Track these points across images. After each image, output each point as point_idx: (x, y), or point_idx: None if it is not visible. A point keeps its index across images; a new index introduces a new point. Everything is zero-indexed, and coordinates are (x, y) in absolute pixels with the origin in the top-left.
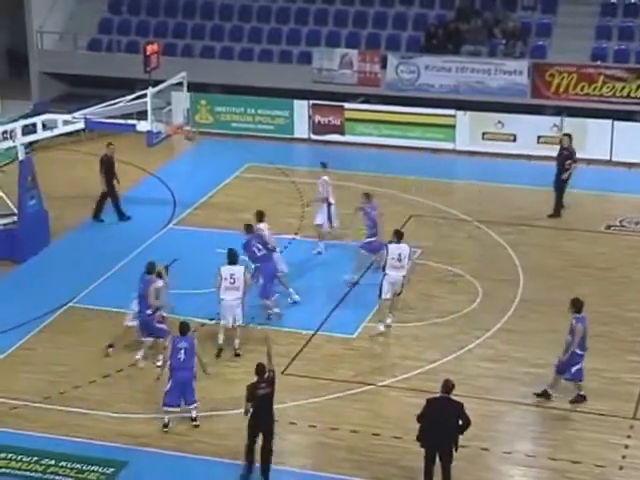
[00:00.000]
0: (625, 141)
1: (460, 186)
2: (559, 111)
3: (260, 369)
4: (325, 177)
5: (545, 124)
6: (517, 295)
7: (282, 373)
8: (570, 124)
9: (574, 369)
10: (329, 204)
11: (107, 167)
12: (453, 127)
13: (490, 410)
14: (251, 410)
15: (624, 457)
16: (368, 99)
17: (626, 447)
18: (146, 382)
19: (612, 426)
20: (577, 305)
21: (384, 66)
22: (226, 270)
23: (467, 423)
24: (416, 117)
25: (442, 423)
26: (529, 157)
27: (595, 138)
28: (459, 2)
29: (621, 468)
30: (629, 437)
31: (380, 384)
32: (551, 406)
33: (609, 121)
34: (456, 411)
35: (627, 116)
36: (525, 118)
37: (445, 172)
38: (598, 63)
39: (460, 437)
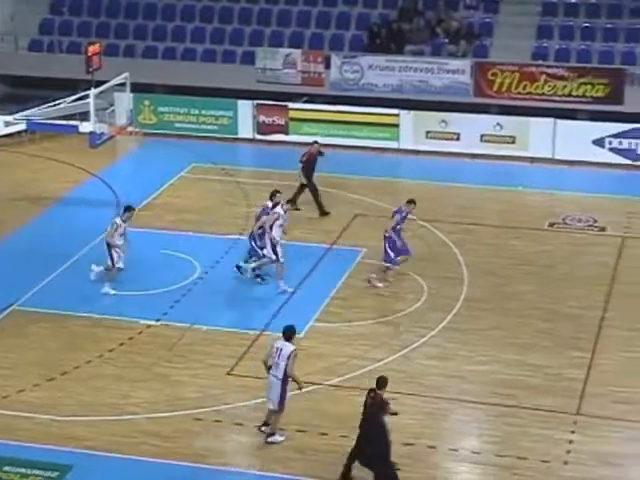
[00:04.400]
0: (567, 139)
1: (405, 185)
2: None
3: (378, 380)
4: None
5: (488, 123)
6: (462, 293)
7: (228, 374)
8: (513, 123)
9: None
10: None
11: None
12: (397, 126)
13: (436, 408)
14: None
15: (569, 452)
16: (312, 99)
17: (570, 442)
18: (91, 384)
19: (556, 422)
20: None
21: (328, 66)
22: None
23: None
24: (360, 116)
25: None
26: (473, 155)
27: (538, 137)
28: (402, 2)
29: (566, 463)
30: (573, 432)
31: (327, 383)
32: (496, 403)
33: (551, 119)
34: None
35: (569, 114)
36: (468, 117)
37: (390, 171)
38: (540, 62)
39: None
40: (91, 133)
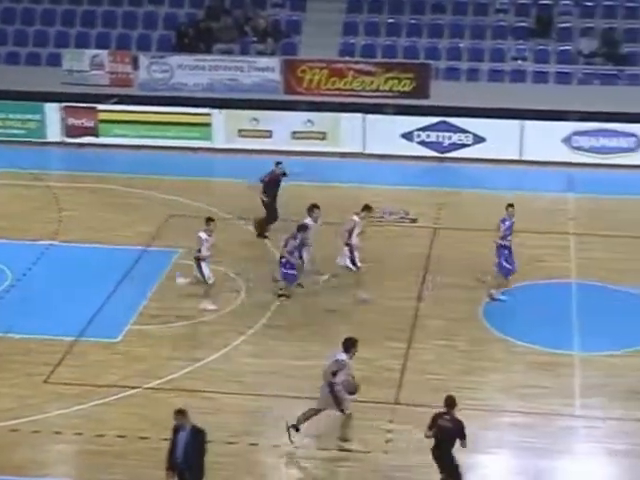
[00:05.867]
0: (376, 134)
1: (219, 184)
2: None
3: (450, 402)
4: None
5: (299, 119)
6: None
7: (45, 382)
8: (323, 119)
9: None
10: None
11: None
12: (209, 125)
13: (258, 405)
14: (433, 441)
15: (388, 441)
16: (122, 100)
17: (389, 432)
18: None
19: (376, 412)
20: None
21: (136, 66)
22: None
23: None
24: (172, 117)
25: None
26: (285, 152)
27: (348, 132)
28: (209, 1)
29: (386, 452)
30: (391, 422)
31: (146, 387)
32: (317, 397)
33: (360, 115)
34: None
35: (377, 109)
36: (279, 114)
37: (203, 171)
38: (347, 58)
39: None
40: None
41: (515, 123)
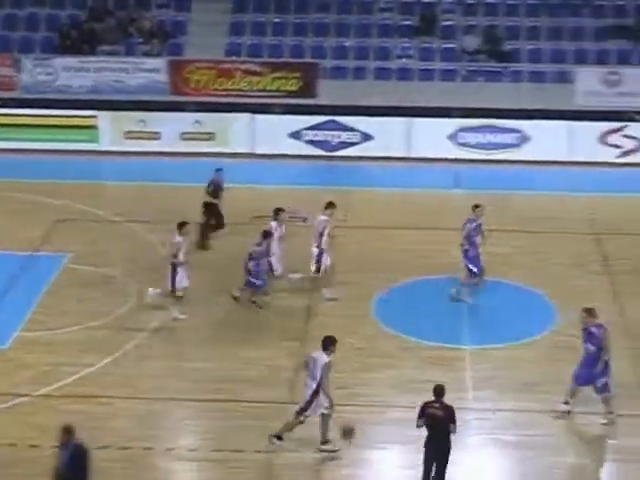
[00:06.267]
0: (265, 133)
1: (106, 187)
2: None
3: (439, 390)
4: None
5: (187, 120)
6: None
7: None
8: (212, 120)
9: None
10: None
11: None
12: (95, 128)
13: (152, 409)
14: (427, 433)
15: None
16: (5, 103)
17: None
18: None
19: (271, 413)
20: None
21: (19, 69)
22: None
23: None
24: (57, 119)
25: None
26: (173, 154)
27: (237, 132)
28: (91, 2)
29: (280, 452)
30: None
31: (36, 394)
32: (211, 399)
33: (249, 115)
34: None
35: (265, 109)
36: (167, 115)
37: (90, 174)
38: (234, 58)
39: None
40: None
41: (402, 121)
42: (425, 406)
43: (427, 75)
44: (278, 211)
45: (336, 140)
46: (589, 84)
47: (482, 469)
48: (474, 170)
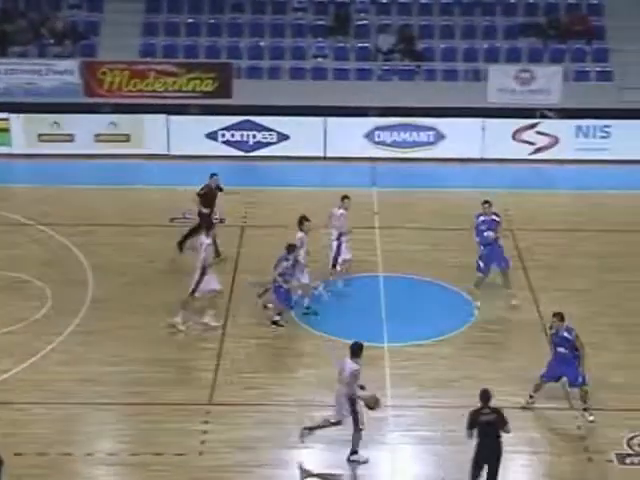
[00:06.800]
0: (181, 135)
1: (20, 190)
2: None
3: (486, 396)
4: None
5: (102, 122)
6: (88, 296)
7: None
8: (127, 121)
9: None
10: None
11: None
12: (7, 131)
13: (70, 414)
14: (477, 439)
15: (203, 442)
16: None
17: (204, 432)
18: None
19: (190, 414)
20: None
21: None
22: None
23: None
24: None
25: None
26: (88, 156)
27: (152, 134)
28: (2, 3)
29: (201, 453)
30: (206, 423)
31: None
32: (130, 402)
33: (164, 116)
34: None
35: (181, 110)
36: (81, 117)
37: (3, 177)
38: (148, 59)
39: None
40: None
41: (318, 120)
42: (475, 415)
43: (342, 74)
44: (303, 220)
45: (252, 140)
46: (502, 82)
47: (402, 465)
48: (391, 168)
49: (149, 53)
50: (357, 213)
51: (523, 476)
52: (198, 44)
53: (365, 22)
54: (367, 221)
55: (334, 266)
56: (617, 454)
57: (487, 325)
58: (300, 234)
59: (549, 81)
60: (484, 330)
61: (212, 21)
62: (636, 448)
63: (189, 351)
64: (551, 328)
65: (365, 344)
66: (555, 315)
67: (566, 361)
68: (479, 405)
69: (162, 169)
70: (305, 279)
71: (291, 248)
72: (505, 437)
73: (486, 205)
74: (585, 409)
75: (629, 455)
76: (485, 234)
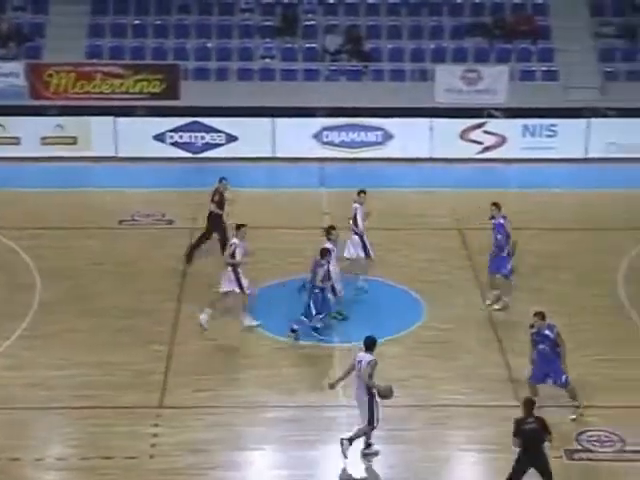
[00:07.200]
0: (128, 136)
1: None
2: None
3: (530, 405)
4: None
5: (48, 125)
6: (35, 299)
7: None
8: (74, 123)
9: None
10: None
11: None
12: None
13: (17, 419)
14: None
15: (153, 445)
16: None
17: (155, 435)
18: None
19: (140, 417)
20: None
21: None
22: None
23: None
24: None
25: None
26: (35, 159)
27: (99, 136)
28: None
29: (152, 457)
30: (157, 426)
31: None
32: (79, 406)
33: (111, 118)
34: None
35: (128, 112)
36: (27, 120)
37: None
38: (94, 61)
39: None
40: None
41: (266, 121)
42: (520, 424)
43: (290, 75)
44: (330, 230)
45: (201, 142)
46: (449, 82)
47: (352, 464)
48: (339, 168)
49: (95, 55)
50: (307, 214)
51: (472, 474)
52: (145, 45)
53: (312, 23)
54: (316, 221)
55: (368, 255)
56: (566, 450)
57: (436, 324)
58: (329, 244)
59: (495, 81)
60: (433, 329)
61: (159, 22)
62: (584, 444)
63: (138, 354)
64: (532, 327)
65: (317, 345)
66: (536, 314)
67: (548, 359)
68: (522, 414)
69: (110, 171)
70: (341, 290)
71: (324, 252)
72: (457, 436)
73: (494, 207)
74: (577, 406)
75: (577, 451)
76: (498, 237)
